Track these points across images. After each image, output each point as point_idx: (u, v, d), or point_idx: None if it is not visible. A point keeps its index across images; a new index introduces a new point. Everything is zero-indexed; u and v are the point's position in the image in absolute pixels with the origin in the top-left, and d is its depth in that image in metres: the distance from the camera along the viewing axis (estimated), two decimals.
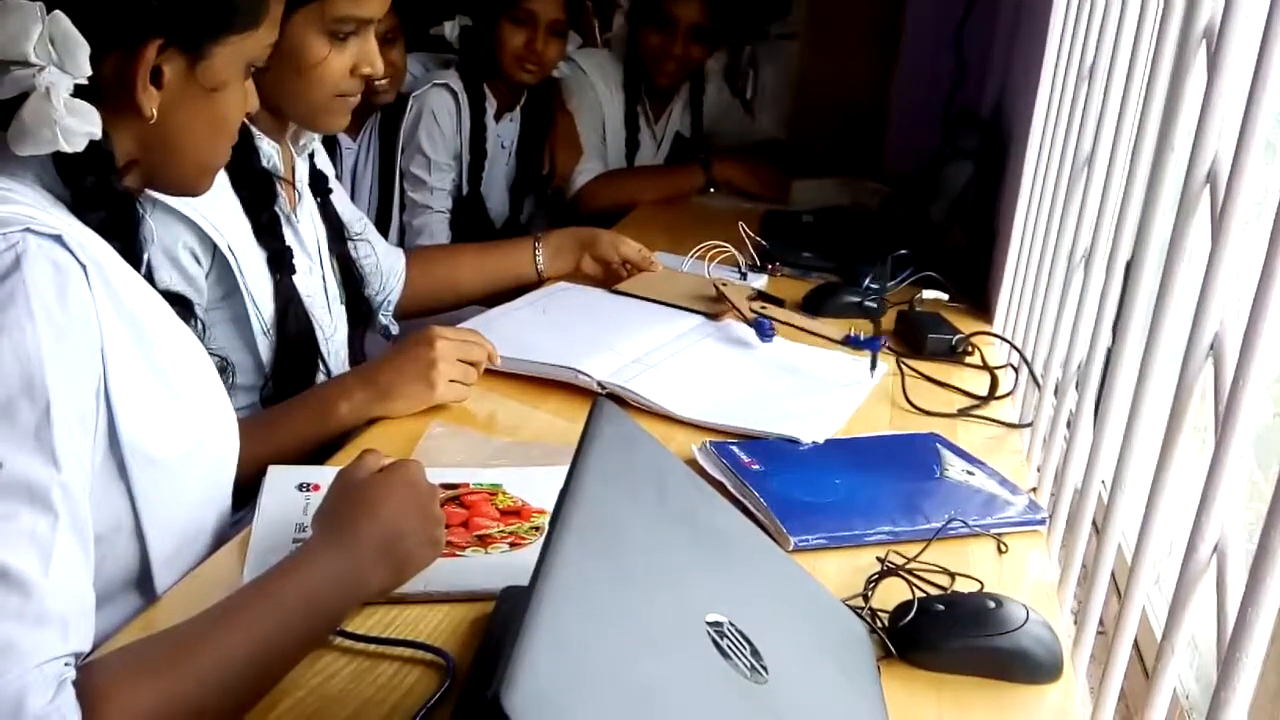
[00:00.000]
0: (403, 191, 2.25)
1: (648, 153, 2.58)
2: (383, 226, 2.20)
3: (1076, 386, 1.22)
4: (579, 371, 1.36)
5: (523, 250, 1.76)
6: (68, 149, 0.83)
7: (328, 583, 0.83)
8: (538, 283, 1.76)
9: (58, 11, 0.82)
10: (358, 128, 2.25)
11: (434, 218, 2.23)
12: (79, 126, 0.83)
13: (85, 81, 0.84)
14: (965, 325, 1.66)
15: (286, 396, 1.26)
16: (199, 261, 1.20)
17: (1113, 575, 1.02)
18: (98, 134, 0.85)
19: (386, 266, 1.63)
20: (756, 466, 1.16)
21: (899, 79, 2.75)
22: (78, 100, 0.83)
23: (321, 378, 1.34)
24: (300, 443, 1.19)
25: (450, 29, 2.29)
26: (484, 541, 1.01)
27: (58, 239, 0.80)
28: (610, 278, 1.76)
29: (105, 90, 0.86)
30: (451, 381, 1.28)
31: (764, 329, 1.54)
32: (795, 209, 2.37)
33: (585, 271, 1.77)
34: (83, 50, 0.82)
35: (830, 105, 2.87)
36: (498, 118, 2.31)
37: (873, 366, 1.47)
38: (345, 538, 0.85)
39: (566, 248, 1.77)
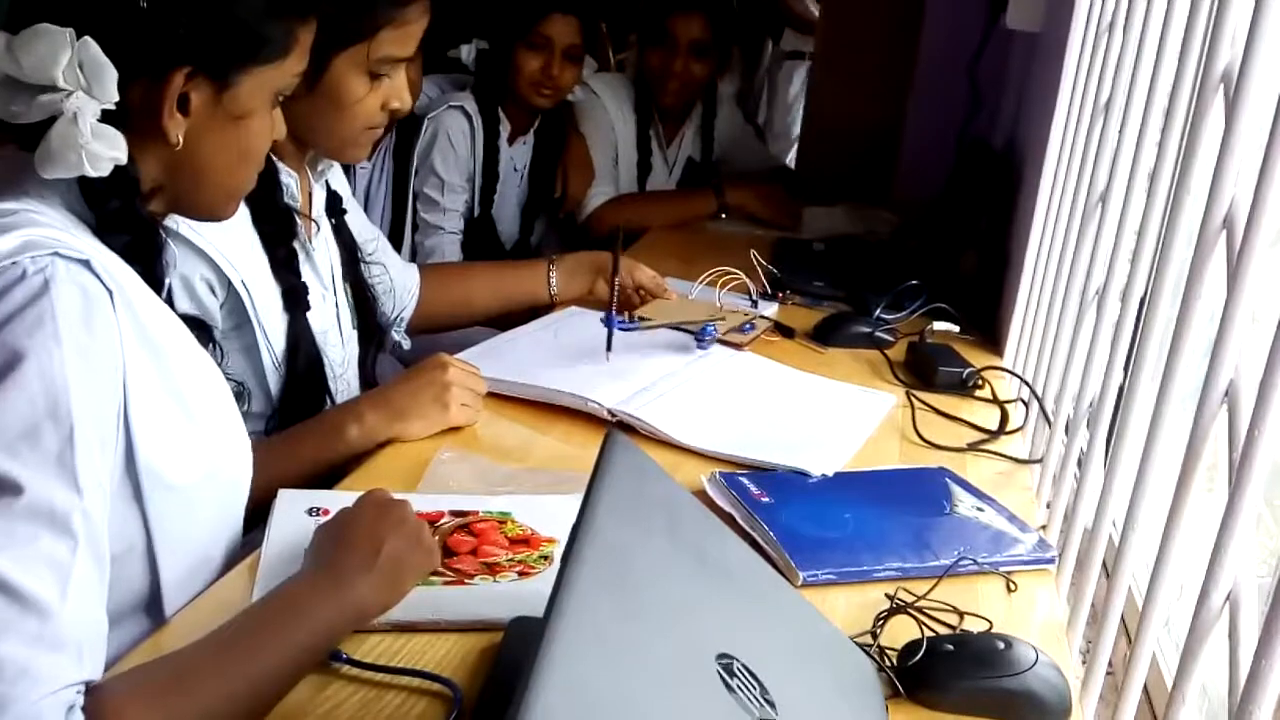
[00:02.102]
0: (415, 212, 2.26)
1: (660, 177, 2.59)
2: (395, 246, 2.20)
3: (1088, 425, 1.22)
4: (588, 399, 1.36)
5: (536, 272, 1.77)
6: (93, 173, 0.84)
7: (319, 607, 0.84)
8: (550, 304, 1.76)
9: (87, 37, 0.82)
10: (372, 148, 2.25)
11: (446, 239, 2.24)
12: (105, 151, 0.84)
13: (112, 107, 0.84)
14: (976, 358, 1.66)
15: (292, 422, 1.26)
16: (214, 292, 1.21)
17: (1122, 616, 1.02)
18: (123, 159, 0.85)
19: (401, 284, 1.63)
20: (766, 499, 1.16)
21: (912, 108, 2.75)
22: (104, 125, 0.84)
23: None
24: (310, 465, 1.19)
25: (466, 52, 2.31)
26: (492, 570, 1.01)
27: (85, 263, 0.81)
28: (623, 303, 1.76)
29: (132, 116, 0.87)
30: (463, 405, 1.29)
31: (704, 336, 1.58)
32: (806, 236, 2.37)
33: (598, 295, 1.77)
34: (110, 76, 0.83)
35: (842, 132, 2.87)
36: (511, 141, 2.32)
37: (608, 347, 1.48)
38: (328, 563, 0.87)
39: (580, 271, 1.77)
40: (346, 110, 1.27)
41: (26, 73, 0.82)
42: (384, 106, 1.30)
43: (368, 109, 1.29)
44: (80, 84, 0.82)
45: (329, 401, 1.35)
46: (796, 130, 4.10)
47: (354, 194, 1.94)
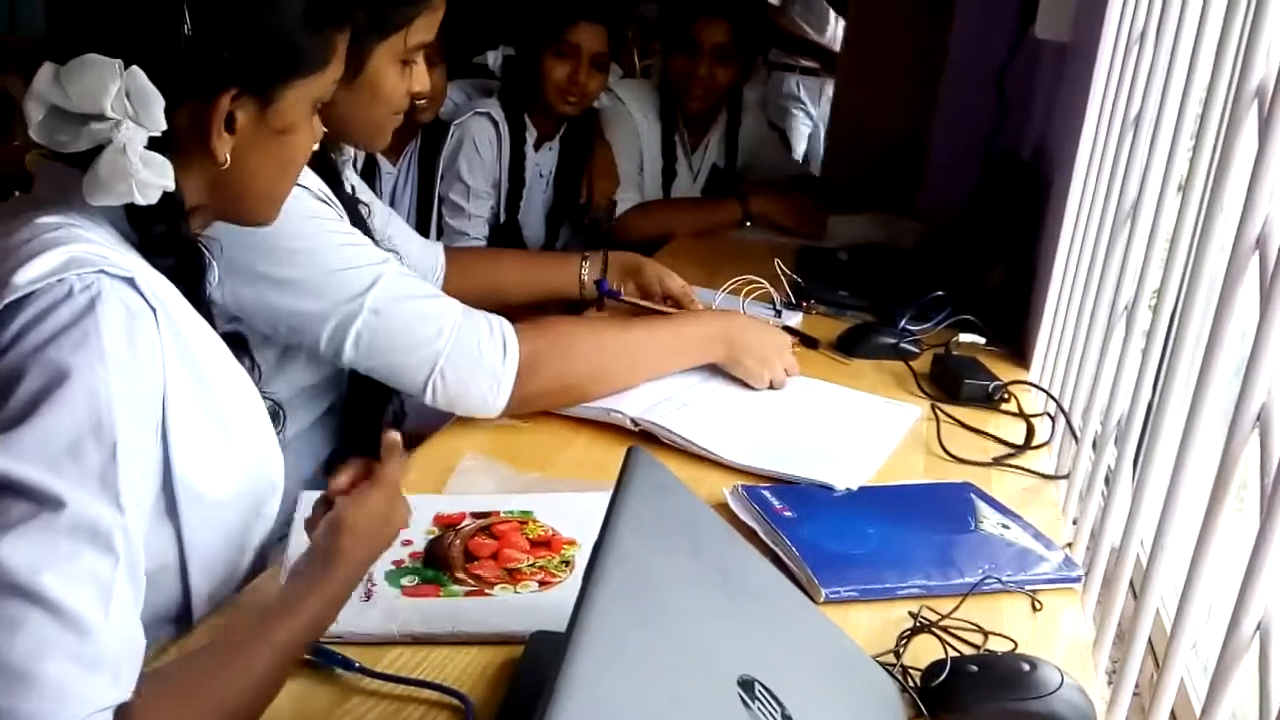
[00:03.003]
0: (440, 217, 2.26)
1: (684, 183, 2.58)
2: None
3: (1116, 441, 1.20)
4: (611, 409, 1.36)
5: (569, 263, 1.77)
6: (142, 201, 0.84)
7: (311, 582, 0.84)
8: (580, 297, 1.75)
9: (135, 67, 0.83)
10: (398, 153, 2.27)
11: (470, 244, 2.24)
12: (154, 180, 0.84)
13: (159, 134, 0.85)
14: (1002, 371, 1.64)
15: (360, 407, 1.34)
16: None
17: (1149, 637, 1.01)
18: (171, 186, 0.86)
19: (424, 267, 1.63)
20: (788, 513, 1.15)
21: (939, 116, 2.73)
22: (152, 153, 0.84)
23: None
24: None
25: (493, 58, 2.31)
26: (513, 577, 1.01)
27: (130, 281, 0.82)
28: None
29: (178, 139, 0.87)
30: None
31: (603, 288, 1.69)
32: (830, 245, 2.36)
33: (626, 297, 1.77)
34: (158, 104, 0.83)
35: (868, 140, 2.85)
36: (537, 147, 2.32)
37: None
38: (325, 561, 0.86)
39: (611, 270, 1.77)
40: (382, 99, 1.31)
41: (74, 103, 0.82)
42: (407, 91, 1.34)
43: (399, 94, 1.33)
44: (128, 113, 0.83)
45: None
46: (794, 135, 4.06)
47: (379, 198, 1.95)
